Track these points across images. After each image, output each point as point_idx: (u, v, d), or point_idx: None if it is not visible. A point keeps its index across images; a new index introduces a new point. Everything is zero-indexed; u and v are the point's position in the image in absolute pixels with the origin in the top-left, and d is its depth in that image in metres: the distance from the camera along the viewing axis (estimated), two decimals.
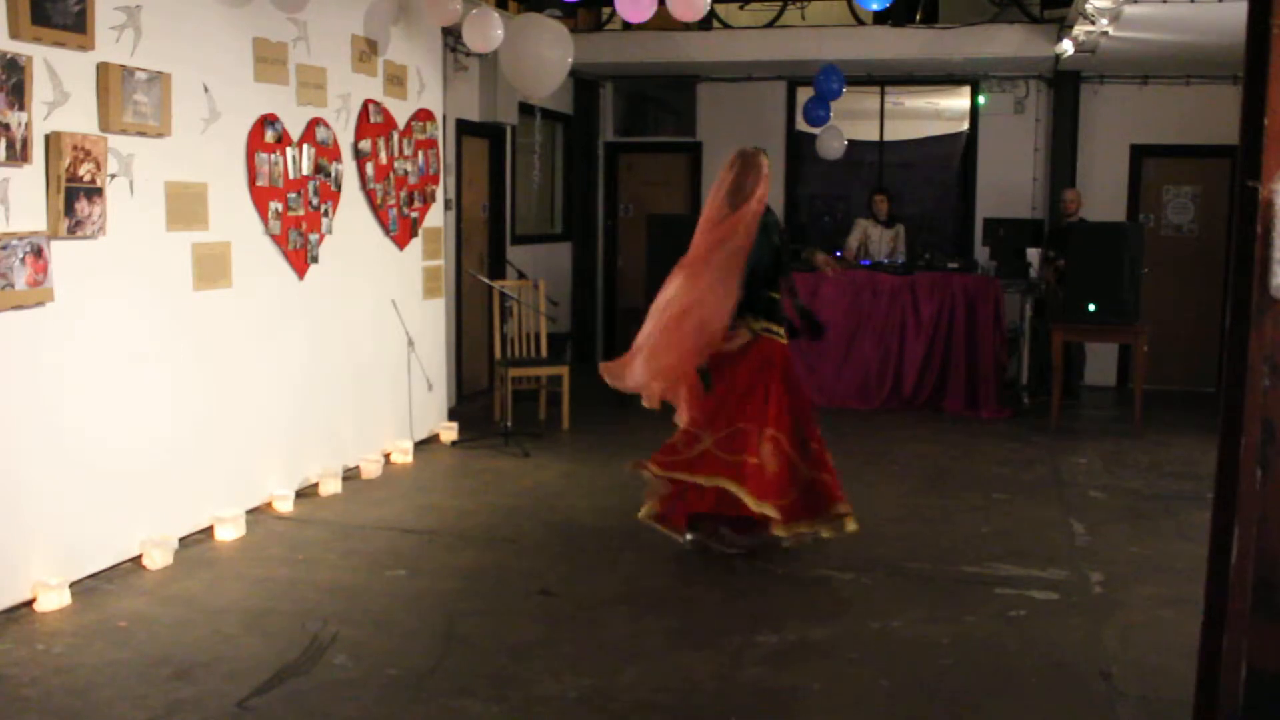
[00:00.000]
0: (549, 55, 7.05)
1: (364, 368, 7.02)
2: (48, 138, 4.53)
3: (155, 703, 3.72)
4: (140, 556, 5.11)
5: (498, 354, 8.28)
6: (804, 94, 10.43)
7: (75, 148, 4.62)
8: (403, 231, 7.41)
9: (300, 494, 6.29)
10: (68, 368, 4.71)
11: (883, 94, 11.07)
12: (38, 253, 4.48)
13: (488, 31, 6.91)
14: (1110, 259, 8.35)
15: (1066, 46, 8.61)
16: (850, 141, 10.30)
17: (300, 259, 6.30)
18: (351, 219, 6.81)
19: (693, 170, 11.50)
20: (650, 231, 9.39)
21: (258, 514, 5.93)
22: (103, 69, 4.80)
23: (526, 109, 9.57)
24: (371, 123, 6.96)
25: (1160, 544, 5.68)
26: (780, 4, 10.02)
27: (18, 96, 4.34)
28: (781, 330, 5.45)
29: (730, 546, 5.39)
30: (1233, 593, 2.22)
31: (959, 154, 11.07)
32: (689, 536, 5.43)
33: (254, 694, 3.80)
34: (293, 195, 6.20)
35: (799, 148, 11.14)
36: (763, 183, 5.34)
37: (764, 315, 5.39)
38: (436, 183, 7.85)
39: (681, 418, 5.47)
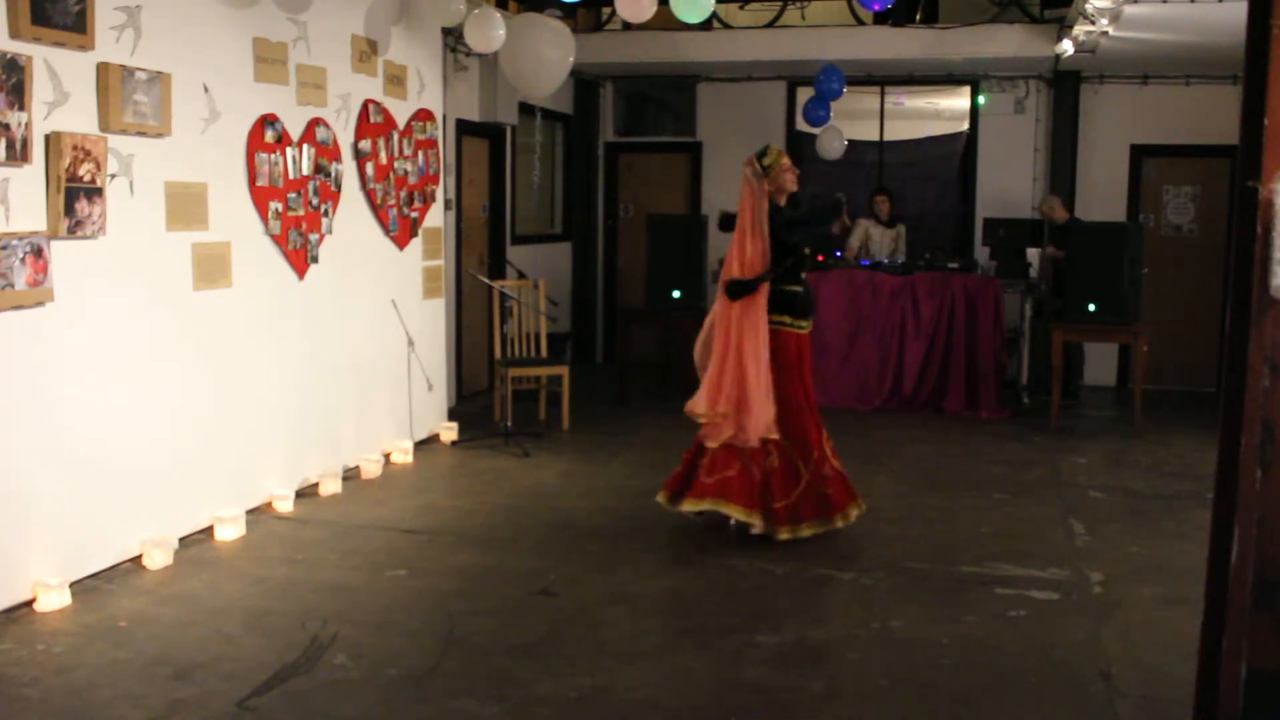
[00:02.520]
0: (549, 55, 7.05)
1: (364, 368, 7.02)
2: (48, 138, 4.53)
3: (155, 703, 3.73)
4: (140, 556, 5.11)
5: (498, 354, 8.28)
6: (804, 94, 10.43)
7: (75, 148, 4.62)
8: (403, 231, 7.41)
9: (300, 494, 6.29)
10: (68, 368, 4.71)
11: (883, 94, 11.07)
12: (38, 253, 4.48)
13: (490, 32, 6.91)
14: (1110, 259, 8.35)
15: (1066, 46, 8.61)
16: (850, 141, 10.29)
17: (300, 259, 6.30)
18: (351, 219, 6.81)
19: (693, 170, 11.50)
20: (650, 231, 9.40)
21: (258, 514, 5.93)
22: (103, 69, 4.81)
23: (526, 109, 9.58)
24: (371, 123, 6.97)
25: (1160, 544, 5.68)
26: (780, 4, 10.02)
27: (18, 96, 4.34)
28: (788, 319, 5.64)
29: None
30: (1233, 593, 2.22)
31: (959, 154, 11.07)
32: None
33: (254, 694, 3.80)
34: (293, 195, 6.20)
35: (799, 148, 11.11)
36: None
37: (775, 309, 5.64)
38: (436, 183, 7.85)
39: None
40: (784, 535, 5.48)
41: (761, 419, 5.47)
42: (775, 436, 5.50)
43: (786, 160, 5.69)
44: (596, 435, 8.09)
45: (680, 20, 6.97)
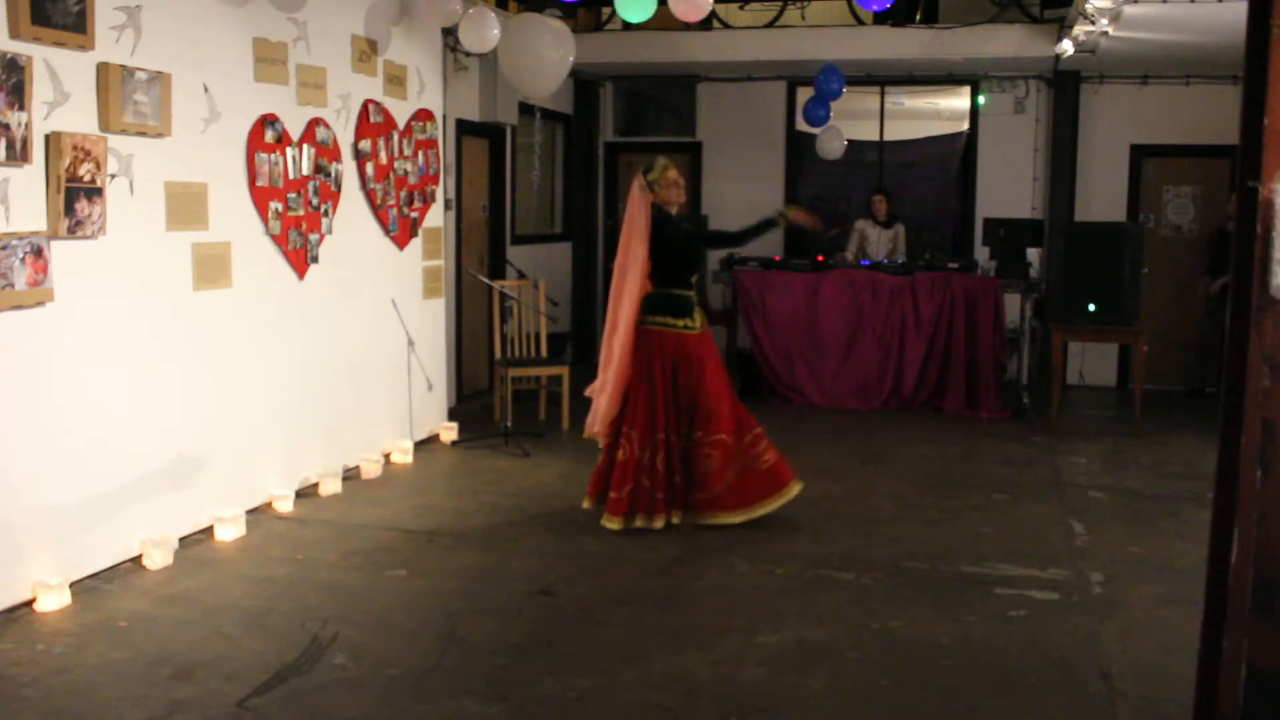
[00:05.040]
0: (549, 55, 7.04)
1: (364, 368, 7.02)
2: (48, 138, 4.53)
3: (155, 703, 3.73)
4: (140, 556, 5.11)
5: (498, 354, 8.28)
6: (804, 94, 10.43)
7: (75, 148, 4.62)
8: (403, 231, 7.41)
9: (300, 494, 6.29)
10: (68, 368, 4.71)
11: (883, 94, 11.08)
12: (38, 253, 4.48)
13: (484, 32, 6.91)
14: (1110, 259, 8.35)
15: (1066, 46, 8.61)
16: (850, 141, 10.29)
17: (300, 259, 6.30)
18: (351, 219, 6.81)
19: (693, 170, 11.48)
20: None
21: (258, 514, 5.93)
22: (103, 69, 4.81)
23: (526, 109, 9.57)
24: (371, 123, 6.97)
25: (1160, 544, 5.68)
26: (780, 4, 10.02)
27: (18, 96, 4.34)
28: (669, 319, 5.84)
29: None
30: (1233, 593, 2.22)
31: (959, 154, 11.07)
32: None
33: (254, 694, 3.80)
34: (293, 195, 6.20)
35: (799, 148, 11.13)
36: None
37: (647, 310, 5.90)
38: (436, 183, 7.85)
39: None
40: (609, 524, 5.72)
41: (597, 414, 5.86)
42: (599, 432, 5.85)
43: (672, 174, 5.92)
44: None
45: (680, 20, 6.97)
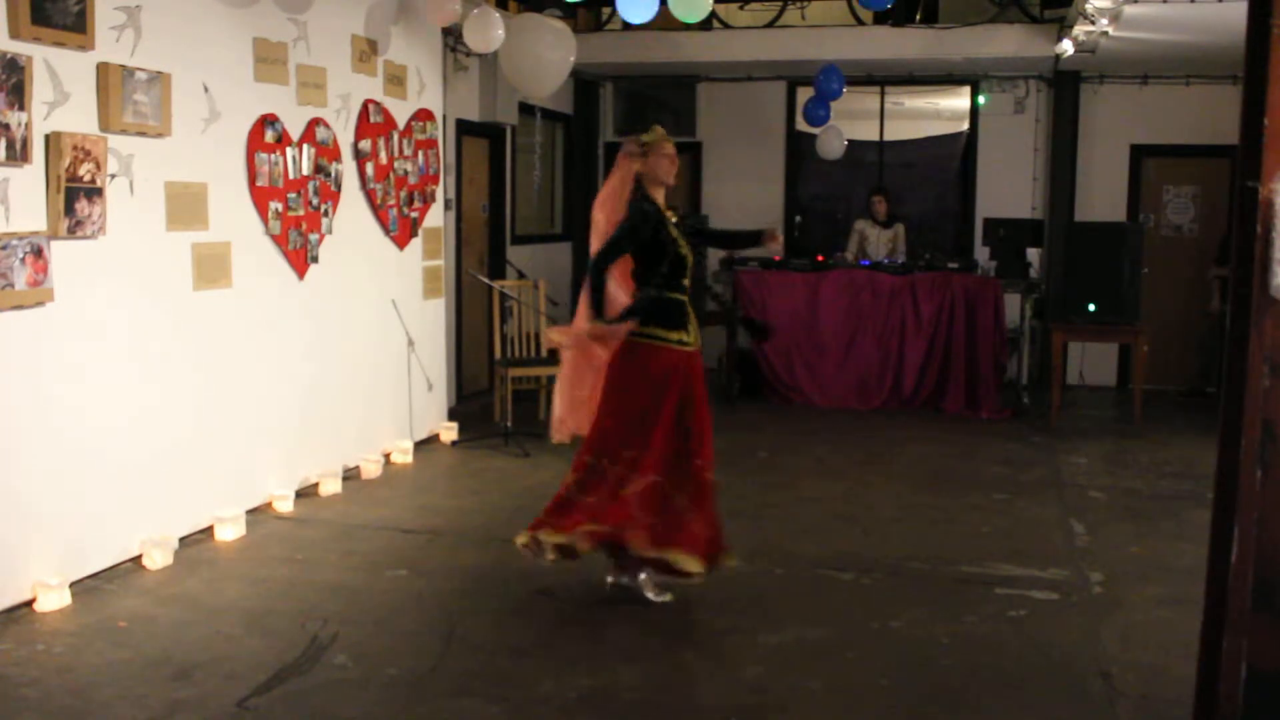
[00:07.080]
0: (549, 55, 7.05)
1: (364, 368, 7.02)
2: (48, 138, 4.53)
3: (155, 703, 3.73)
4: (140, 556, 5.11)
5: (498, 354, 8.28)
6: (804, 94, 10.43)
7: (75, 148, 4.62)
8: (403, 231, 7.41)
9: (300, 494, 6.29)
10: (68, 368, 4.71)
11: (883, 94, 11.08)
12: (38, 253, 4.48)
13: (488, 32, 6.91)
14: (1110, 259, 8.35)
15: (1066, 46, 8.61)
16: (850, 141, 10.29)
17: (300, 259, 6.30)
18: (351, 219, 6.81)
19: (693, 170, 11.49)
20: None
21: (258, 514, 5.93)
22: (103, 69, 4.81)
23: (526, 109, 9.57)
24: (371, 123, 6.96)
25: (1160, 544, 5.68)
26: (780, 4, 10.02)
27: (18, 96, 4.34)
28: (659, 332, 4.70)
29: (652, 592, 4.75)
30: (1233, 593, 2.23)
31: (959, 154, 11.07)
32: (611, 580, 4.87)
33: (254, 694, 3.80)
34: (293, 195, 6.20)
35: (799, 148, 11.13)
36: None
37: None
38: (436, 183, 7.85)
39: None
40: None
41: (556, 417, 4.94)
42: (562, 439, 4.96)
43: (670, 146, 4.73)
44: None
45: (680, 20, 6.97)
